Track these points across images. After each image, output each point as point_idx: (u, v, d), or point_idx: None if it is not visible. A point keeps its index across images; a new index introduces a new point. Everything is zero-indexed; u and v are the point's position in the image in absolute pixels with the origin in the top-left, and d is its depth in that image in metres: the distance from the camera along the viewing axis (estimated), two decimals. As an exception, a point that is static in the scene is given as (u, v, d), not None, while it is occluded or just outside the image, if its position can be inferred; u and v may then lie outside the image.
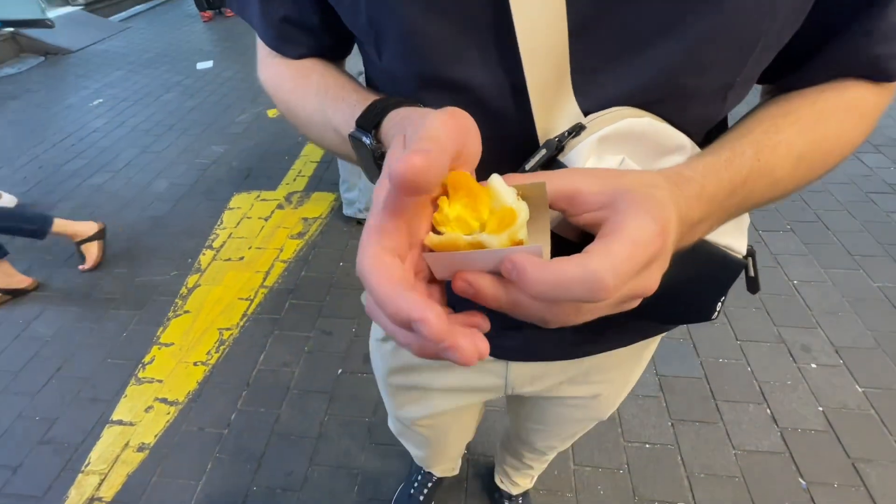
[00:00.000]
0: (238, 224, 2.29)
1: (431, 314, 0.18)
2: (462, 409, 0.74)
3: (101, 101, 3.69)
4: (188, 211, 2.40)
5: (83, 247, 2.05)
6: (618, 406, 0.70)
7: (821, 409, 1.41)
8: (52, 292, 1.98)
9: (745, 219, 0.42)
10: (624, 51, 0.29)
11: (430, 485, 1.23)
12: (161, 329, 1.78)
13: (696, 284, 0.40)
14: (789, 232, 2.02)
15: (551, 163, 0.31)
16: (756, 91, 0.41)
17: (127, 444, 1.43)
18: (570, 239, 0.30)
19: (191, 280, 1.98)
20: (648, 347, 0.62)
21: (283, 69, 0.42)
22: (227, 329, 1.77)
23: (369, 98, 0.34)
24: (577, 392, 0.63)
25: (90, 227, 2.07)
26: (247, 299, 1.88)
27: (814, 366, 1.52)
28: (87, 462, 1.39)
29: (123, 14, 6.06)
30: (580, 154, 0.30)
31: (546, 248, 0.23)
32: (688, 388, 1.49)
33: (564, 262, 0.19)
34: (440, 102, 0.34)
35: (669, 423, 1.41)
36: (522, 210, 0.21)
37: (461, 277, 0.22)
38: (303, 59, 0.42)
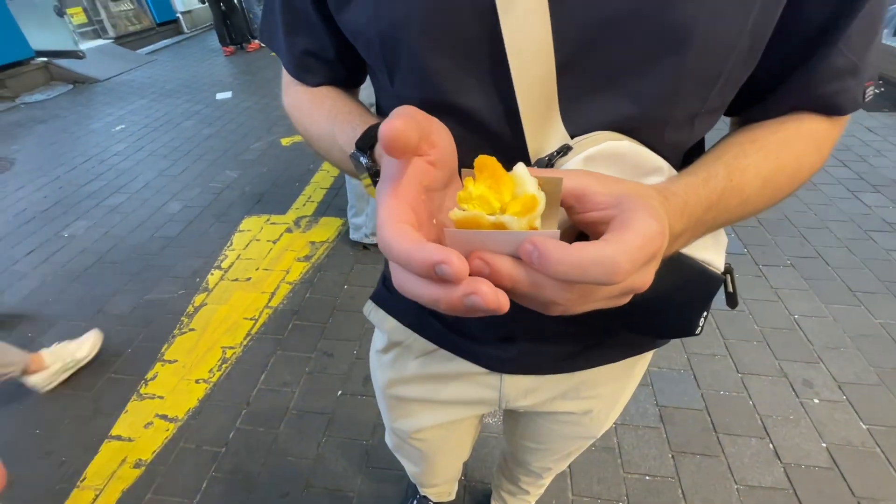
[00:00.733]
0: (247, 246, 2.34)
1: (454, 256, 0.19)
2: (457, 424, 0.75)
3: (123, 126, 3.85)
4: (199, 232, 2.47)
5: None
6: (610, 424, 0.71)
7: (824, 445, 1.39)
8: (67, 306, 2.02)
9: (723, 238, 0.46)
10: (605, 84, 0.34)
11: (425, 510, 1.22)
12: (166, 346, 1.80)
13: (678, 296, 0.43)
14: (789, 267, 2.04)
15: None
16: (726, 120, 0.45)
17: (124, 460, 1.43)
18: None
19: (198, 299, 2.02)
20: (639, 364, 0.64)
21: (303, 95, 0.48)
22: (231, 348, 1.78)
23: (368, 122, 0.39)
24: (569, 407, 0.65)
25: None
26: (251, 319, 1.91)
27: (816, 401, 1.51)
28: (83, 477, 1.39)
29: (150, 47, 6.40)
30: None
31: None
32: (689, 420, 1.48)
33: (584, 245, 0.21)
34: (443, 123, 0.39)
35: (670, 455, 1.39)
36: (542, 199, 0.23)
37: (478, 256, 0.22)
38: (320, 87, 0.48)
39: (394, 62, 0.37)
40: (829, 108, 0.38)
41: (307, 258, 2.24)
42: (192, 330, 1.87)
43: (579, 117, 0.35)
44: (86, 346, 1.72)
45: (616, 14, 0.31)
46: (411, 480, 1.10)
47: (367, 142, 0.37)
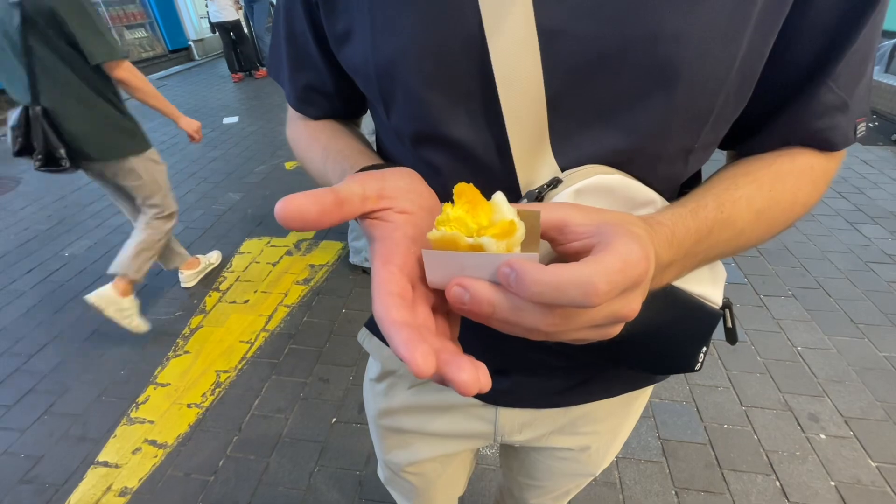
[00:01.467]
0: (246, 268, 2.34)
1: (418, 355, 0.19)
2: (451, 458, 0.73)
3: (130, 148, 3.91)
4: (200, 253, 2.47)
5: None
6: (609, 461, 0.69)
7: (833, 483, 1.34)
8: (62, 327, 2.00)
9: (722, 272, 0.45)
10: (594, 119, 0.34)
11: (418, 547, 1.17)
12: (160, 369, 1.78)
13: (674, 331, 0.42)
14: (791, 297, 2.03)
15: None
16: (723, 152, 0.46)
17: (109, 488, 1.38)
18: None
19: (194, 321, 2.00)
20: (637, 400, 0.63)
21: (302, 129, 0.50)
22: (225, 372, 1.76)
23: (358, 164, 0.40)
24: (566, 443, 0.63)
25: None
26: (247, 342, 1.89)
27: (823, 436, 1.47)
28: (66, 505, 1.34)
29: (162, 73, 6.58)
30: None
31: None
32: (692, 455, 1.43)
33: (561, 266, 0.21)
34: (437, 156, 0.40)
35: (673, 492, 1.34)
36: (521, 226, 0.23)
37: (458, 283, 0.23)
38: (321, 119, 0.50)
39: (390, 96, 0.38)
40: (821, 143, 0.39)
41: (306, 281, 2.23)
42: (186, 352, 1.85)
43: (570, 150, 0.35)
44: (214, 256, 2.38)
45: (605, 51, 0.31)
46: (405, 515, 1.06)
47: None
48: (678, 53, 0.31)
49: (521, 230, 0.23)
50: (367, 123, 1.66)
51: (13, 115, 1.54)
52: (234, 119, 4.51)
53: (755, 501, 1.31)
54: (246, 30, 6.02)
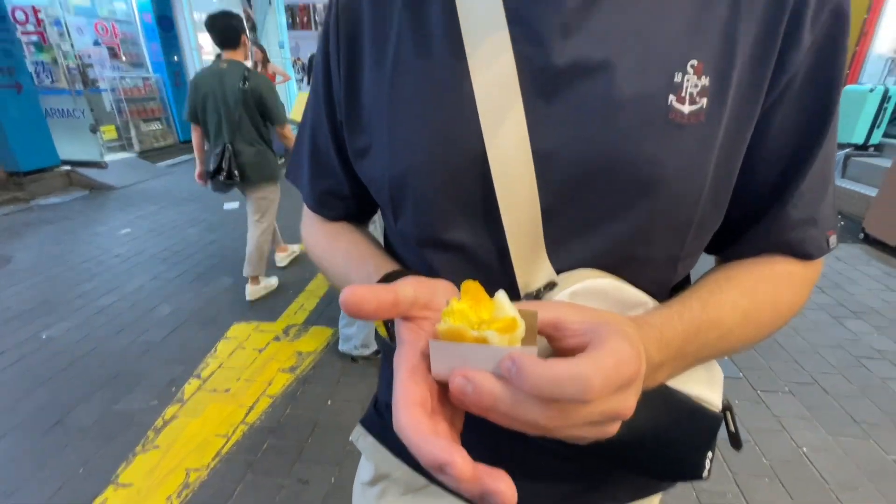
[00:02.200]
0: (231, 354, 2.27)
1: (457, 456, 0.20)
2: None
3: (128, 230, 3.98)
4: (184, 338, 2.40)
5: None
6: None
7: None
8: (23, 417, 1.86)
9: (719, 374, 0.46)
10: (585, 228, 0.38)
11: None
12: (123, 465, 1.63)
13: (675, 434, 0.42)
14: (788, 394, 1.99)
15: None
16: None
17: None
18: None
19: (169, 411, 1.88)
20: (645, 509, 0.59)
21: (320, 228, 0.54)
22: (196, 470, 1.61)
23: (382, 268, 0.43)
24: (570, 554, 0.58)
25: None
26: (224, 436, 1.76)
27: (845, 553, 1.35)
28: None
29: (170, 161, 6.92)
30: None
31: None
32: (707, 575, 1.30)
33: (559, 360, 0.22)
34: (441, 258, 0.43)
35: None
36: (522, 324, 0.24)
37: (462, 374, 0.23)
38: (336, 221, 0.54)
39: (399, 203, 0.42)
40: (797, 253, 0.42)
41: (292, 369, 2.15)
42: (156, 447, 1.71)
43: (564, 255, 0.38)
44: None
45: (592, 170, 0.36)
46: None
47: None
48: (657, 173, 0.36)
49: (522, 326, 0.24)
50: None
51: (216, 150, 2.51)
52: (235, 205, 4.67)
53: None
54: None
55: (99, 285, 2.97)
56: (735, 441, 0.45)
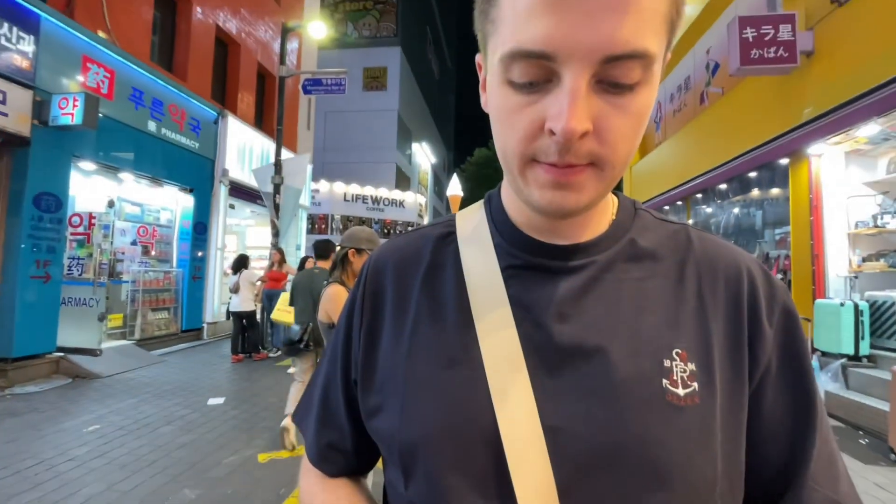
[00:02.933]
0: None
1: None
2: None
3: (97, 427, 3.68)
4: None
5: None
6: None
7: None
8: None
9: None
10: None
11: None
12: None
13: None
14: None
15: None
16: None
17: None
18: None
19: None
20: None
21: (317, 486, 0.51)
22: None
23: None
24: None
25: None
26: None
27: None
28: None
29: (167, 349, 6.89)
30: None
31: None
32: None
33: None
34: None
35: None
36: None
37: None
38: (336, 478, 0.51)
39: (410, 471, 0.41)
40: None
41: None
42: None
43: None
44: None
45: (601, 449, 0.36)
46: None
47: None
48: (666, 456, 0.36)
49: None
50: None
51: (300, 325, 3.30)
52: (220, 400, 4.44)
53: None
54: (259, 317, 6.71)
55: (40, 497, 2.57)
56: None
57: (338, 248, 2.33)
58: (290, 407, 3.44)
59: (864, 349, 4.36)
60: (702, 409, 0.37)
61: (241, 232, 11.39)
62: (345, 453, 0.51)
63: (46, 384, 4.85)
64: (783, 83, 5.46)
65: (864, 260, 4.92)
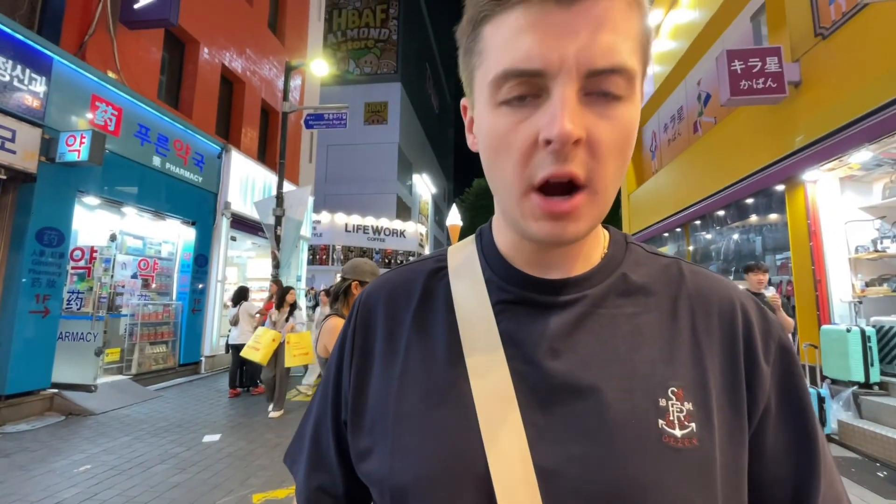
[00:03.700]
0: None
1: None
2: None
3: (88, 467, 3.56)
4: None
5: None
6: None
7: None
8: None
9: None
10: None
11: None
12: None
13: None
14: None
15: None
16: None
17: None
18: None
19: None
20: None
21: None
22: None
23: None
24: None
25: None
26: None
27: None
28: None
29: (163, 384, 6.76)
30: None
31: None
32: None
33: None
34: None
35: None
36: None
37: None
38: None
39: None
40: None
41: None
42: None
43: None
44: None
45: (598, 494, 0.35)
46: None
47: None
48: (663, 501, 0.34)
49: None
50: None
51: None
52: (216, 437, 4.32)
53: None
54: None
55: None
56: None
57: (339, 280, 2.33)
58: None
59: (875, 376, 4.27)
60: (700, 451, 0.36)
61: (242, 264, 11.40)
62: (335, 497, 0.49)
63: (38, 422, 4.73)
64: (774, 112, 5.59)
65: (867, 285, 4.89)
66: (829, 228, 5.06)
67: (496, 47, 0.36)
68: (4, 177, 4.79)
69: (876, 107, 4.12)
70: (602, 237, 0.46)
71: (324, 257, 17.02)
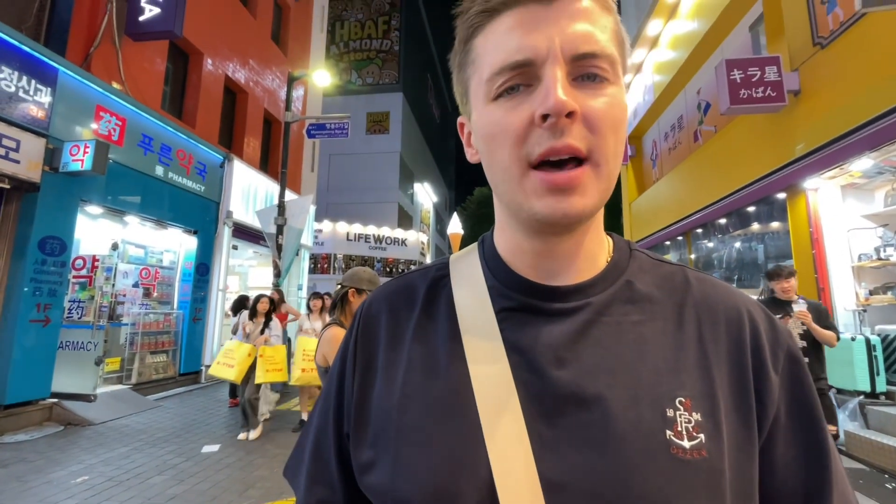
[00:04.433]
0: None
1: None
2: None
3: (85, 478, 3.53)
4: None
5: None
6: None
7: None
8: None
9: None
10: None
11: None
12: None
13: None
14: None
15: None
16: None
17: None
18: None
19: None
20: None
21: None
22: None
23: None
24: None
25: None
26: None
27: None
28: None
29: (163, 393, 6.72)
30: None
31: None
32: None
33: None
34: None
35: None
36: None
37: None
38: None
39: None
40: None
41: None
42: None
43: None
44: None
45: None
46: None
47: None
48: None
49: None
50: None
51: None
52: (215, 448, 4.28)
53: None
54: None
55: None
56: None
57: (338, 287, 2.32)
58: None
59: (881, 386, 4.22)
60: (709, 462, 0.35)
61: (244, 273, 11.40)
62: None
63: (37, 432, 4.70)
64: (774, 120, 5.60)
65: (870, 293, 4.86)
66: (832, 236, 5.04)
67: (487, 52, 0.39)
68: (8, 186, 4.82)
69: (876, 115, 4.13)
70: (606, 244, 0.46)
71: (325, 266, 17.04)
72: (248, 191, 9.18)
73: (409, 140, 25.03)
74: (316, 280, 15.78)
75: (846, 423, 4.18)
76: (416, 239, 19.15)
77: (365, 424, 0.44)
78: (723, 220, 7.38)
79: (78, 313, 5.66)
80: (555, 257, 0.42)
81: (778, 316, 2.77)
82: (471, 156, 0.46)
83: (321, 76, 9.13)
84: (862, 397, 4.25)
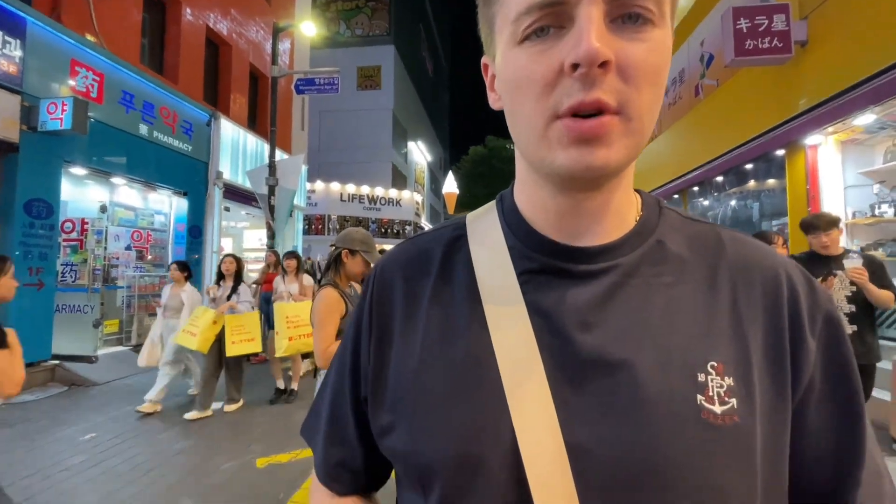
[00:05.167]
0: None
1: None
2: None
3: (93, 435, 3.64)
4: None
5: None
6: None
7: None
8: None
9: None
10: None
11: None
12: None
13: None
14: None
15: None
16: None
17: None
18: None
19: None
20: None
21: (327, 502, 0.49)
22: None
23: None
24: None
25: None
26: None
27: None
28: None
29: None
30: None
31: None
32: None
33: None
34: None
35: None
36: None
37: None
38: (345, 497, 0.49)
39: (429, 491, 0.38)
40: None
41: None
42: None
43: None
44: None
45: (630, 474, 0.33)
46: None
47: None
48: (702, 480, 0.33)
49: None
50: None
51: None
52: (218, 405, 4.39)
53: None
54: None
55: (33, 510, 2.53)
56: None
57: (331, 249, 2.29)
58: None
59: (865, 339, 4.34)
60: (741, 428, 0.34)
61: (237, 234, 11.32)
62: (355, 472, 0.48)
63: (41, 393, 4.79)
64: (778, 74, 5.43)
65: (862, 249, 4.92)
66: (829, 193, 5.03)
67: None
68: (-14, 147, 4.64)
69: (884, 67, 4.00)
70: (634, 201, 0.43)
71: (319, 227, 16.93)
72: (238, 150, 8.94)
73: (402, 96, 24.21)
74: (311, 241, 15.73)
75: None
76: (411, 199, 18.96)
77: (383, 389, 0.43)
78: (720, 178, 7.33)
79: (72, 276, 5.64)
80: (580, 216, 0.40)
81: (819, 278, 2.51)
82: (493, 101, 0.42)
83: (308, 27, 8.66)
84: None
